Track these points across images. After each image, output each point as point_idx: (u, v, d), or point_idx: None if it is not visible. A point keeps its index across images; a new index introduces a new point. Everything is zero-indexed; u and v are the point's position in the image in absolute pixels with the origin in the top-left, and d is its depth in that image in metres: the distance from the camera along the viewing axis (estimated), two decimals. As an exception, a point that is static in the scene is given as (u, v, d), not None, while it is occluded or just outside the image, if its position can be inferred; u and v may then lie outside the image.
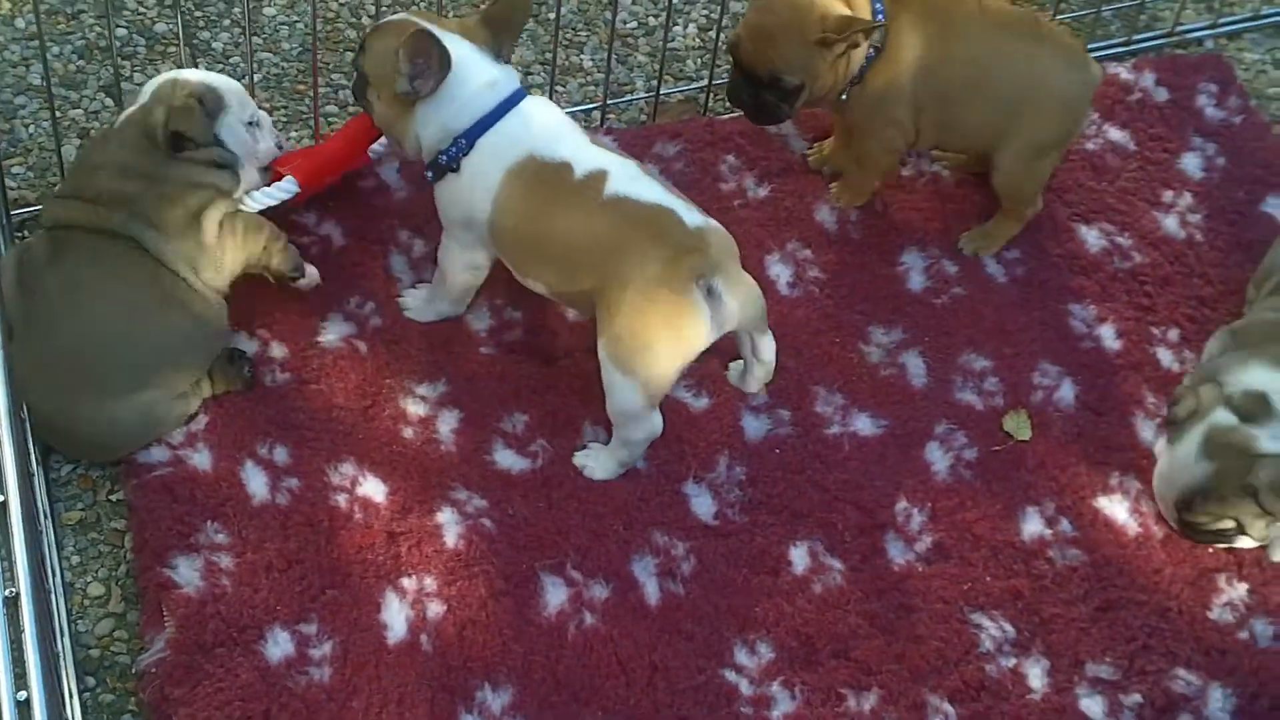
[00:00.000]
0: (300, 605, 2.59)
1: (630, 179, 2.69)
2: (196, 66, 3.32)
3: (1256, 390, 2.71)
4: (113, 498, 2.76)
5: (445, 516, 2.71)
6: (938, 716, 2.59)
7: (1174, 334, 3.10)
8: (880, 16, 2.94)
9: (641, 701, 2.56)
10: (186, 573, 2.59)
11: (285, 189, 2.91)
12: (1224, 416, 2.71)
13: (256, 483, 2.72)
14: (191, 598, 2.57)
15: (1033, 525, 2.82)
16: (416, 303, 2.97)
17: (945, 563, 2.77)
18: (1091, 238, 3.23)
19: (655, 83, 3.38)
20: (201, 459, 2.73)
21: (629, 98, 3.46)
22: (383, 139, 3.00)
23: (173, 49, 3.38)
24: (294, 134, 3.31)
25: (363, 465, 2.76)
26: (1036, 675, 2.65)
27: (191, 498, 2.68)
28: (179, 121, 2.74)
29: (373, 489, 2.74)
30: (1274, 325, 2.84)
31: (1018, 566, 2.77)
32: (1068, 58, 3.03)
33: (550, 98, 3.27)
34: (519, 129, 2.73)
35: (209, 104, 2.80)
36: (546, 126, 2.74)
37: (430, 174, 2.79)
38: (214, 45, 3.44)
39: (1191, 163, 3.38)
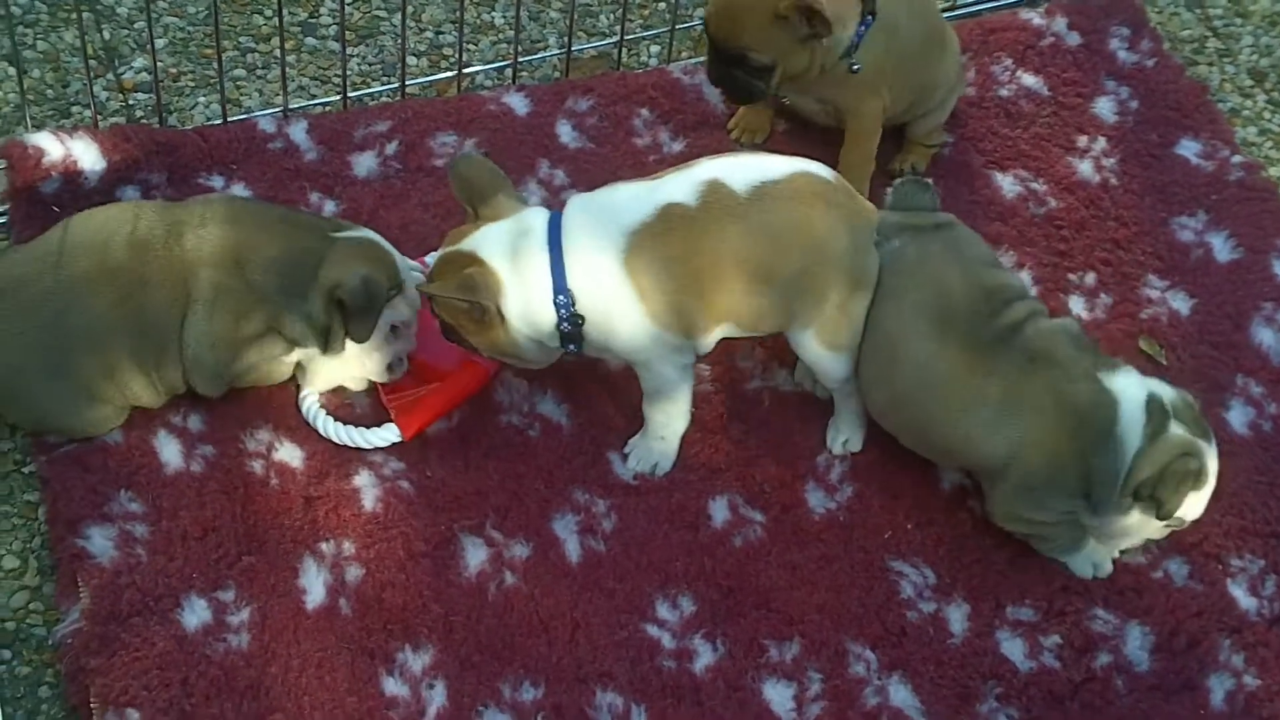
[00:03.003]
0: (217, 572, 2.57)
1: (730, 167, 2.64)
2: (100, 33, 3.27)
3: None
4: (25, 470, 2.73)
5: (362, 480, 2.69)
6: (860, 664, 2.60)
7: (1090, 278, 3.11)
8: None
9: (564, 659, 2.55)
10: (101, 543, 2.57)
11: (384, 438, 2.73)
12: None
13: (170, 451, 2.69)
14: (106, 568, 2.54)
15: (952, 475, 2.83)
16: (654, 453, 2.78)
17: (866, 513, 2.78)
18: (1006, 184, 3.24)
19: (567, 39, 3.35)
20: (112, 431, 2.69)
21: (541, 54, 3.43)
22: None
23: (75, 15, 3.31)
24: (202, 98, 3.26)
25: (278, 431, 2.74)
26: (957, 620, 2.67)
27: (104, 467, 2.65)
28: (360, 302, 2.59)
29: (289, 454, 2.71)
30: None
31: (938, 515, 2.79)
32: None
33: (460, 58, 3.26)
34: (591, 229, 2.60)
35: (388, 299, 2.66)
36: (605, 206, 2.63)
37: (573, 347, 2.65)
38: (118, 10, 3.38)
39: (1105, 107, 3.39)
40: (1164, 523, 2.59)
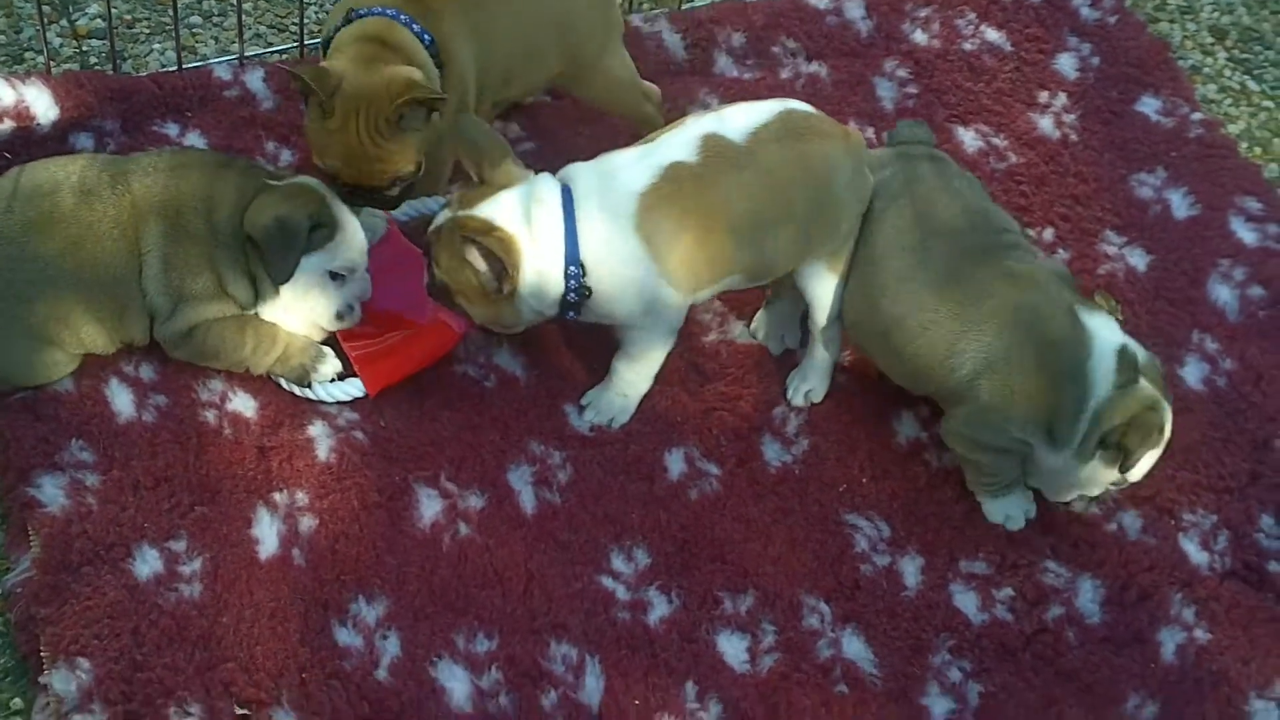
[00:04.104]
0: (169, 522, 2.55)
1: (720, 119, 2.65)
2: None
3: None
4: (-25, 419, 2.70)
5: (316, 430, 2.68)
6: (814, 616, 2.61)
7: (1049, 233, 3.12)
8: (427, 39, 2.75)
9: (518, 610, 2.55)
10: (51, 491, 2.55)
11: (348, 392, 2.71)
12: None
13: (122, 400, 2.67)
14: (57, 517, 2.52)
15: (908, 429, 2.84)
16: (613, 407, 2.77)
17: (822, 465, 2.78)
18: (968, 139, 3.24)
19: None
20: (64, 380, 2.67)
21: None
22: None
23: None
24: (157, 45, 3.23)
25: (232, 381, 2.72)
26: (911, 573, 2.67)
27: (55, 417, 2.63)
28: (274, 242, 2.57)
29: (242, 404, 2.70)
30: None
31: (894, 469, 2.79)
32: None
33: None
34: (599, 197, 2.60)
35: (317, 238, 2.62)
36: (609, 173, 2.63)
37: (573, 314, 2.65)
38: (73, -46, 3.34)
39: (1067, 63, 3.38)
40: (1113, 479, 2.61)
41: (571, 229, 2.60)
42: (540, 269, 2.60)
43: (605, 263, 2.61)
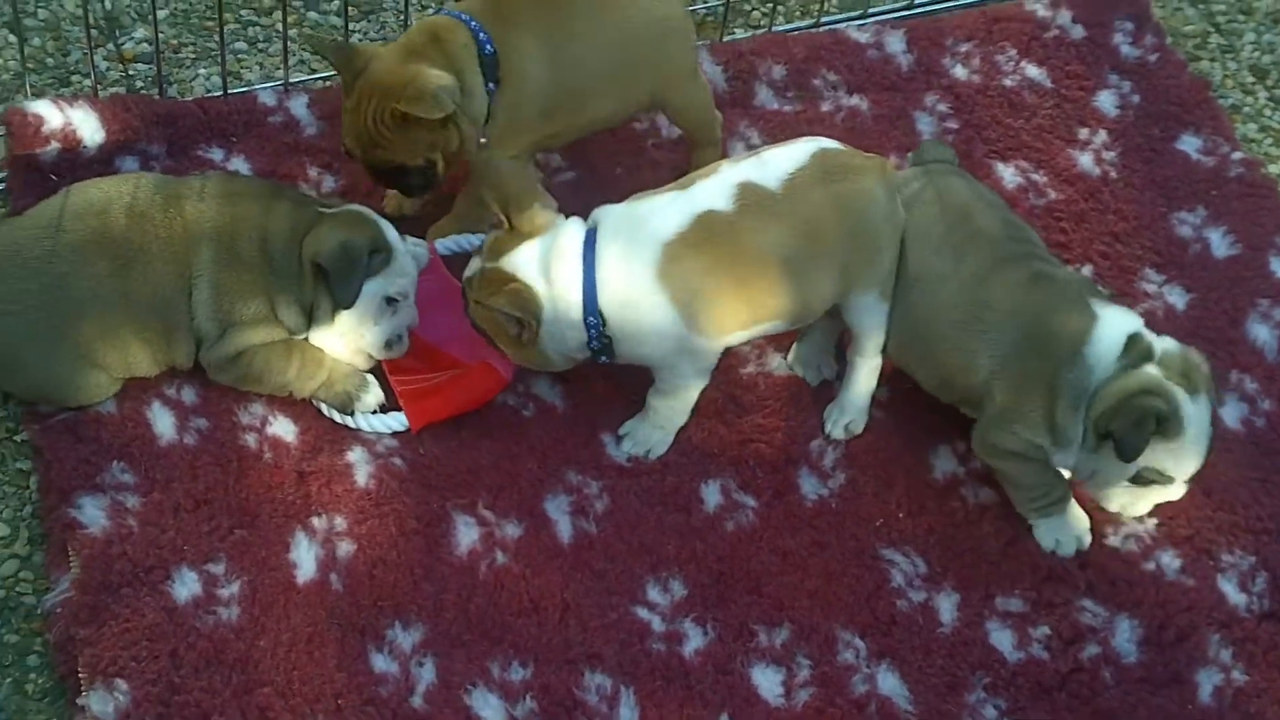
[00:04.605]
0: (208, 545, 2.56)
1: (754, 166, 2.65)
2: (102, 3, 3.26)
3: None
4: (17, 438, 2.72)
5: (356, 456, 2.69)
6: (849, 651, 2.60)
7: (1088, 270, 3.11)
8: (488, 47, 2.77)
9: (553, 639, 2.55)
10: (92, 513, 2.56)
11: (390, 426, 2.73)
12: None
13: (164, 423, 2.68)
14: (97, 538, 2.54)
15: (945, 464, 2.83)
16: (651, 439, 2.77)
17: (858, 500, 2.78)
18: (1008, 174, 3.24)
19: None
20: (106, 402, 2.69)
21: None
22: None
23: (78, -17, 3.31)
24: (203, 70, 3.25)
25: (272, 405, 2.73)
26: (947, 609, 2.67)
27: (97, 438, 2.65)
28: (340, 267, 2.60)
29: (283, 429, 2.71)
30: None
31: (930, 504, 2.79)
32: None
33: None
34: (624, 245, 2.61)
35: (375, 263, 2.66)
36: (636, 219, 2.63)
37: (604, 359, 2.67)
38: (121, -21, 3.37)
39: (1107, 100, 3.38)
40: (1132, 475, 2.58)
41: (590, 280, 2.61)
42: (559, 319, 2.62)
43: (625, 313, 2.62)
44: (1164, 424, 2.54)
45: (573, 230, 2.66)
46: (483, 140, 2.81)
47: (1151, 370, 2.56)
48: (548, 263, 2.62)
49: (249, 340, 2.66)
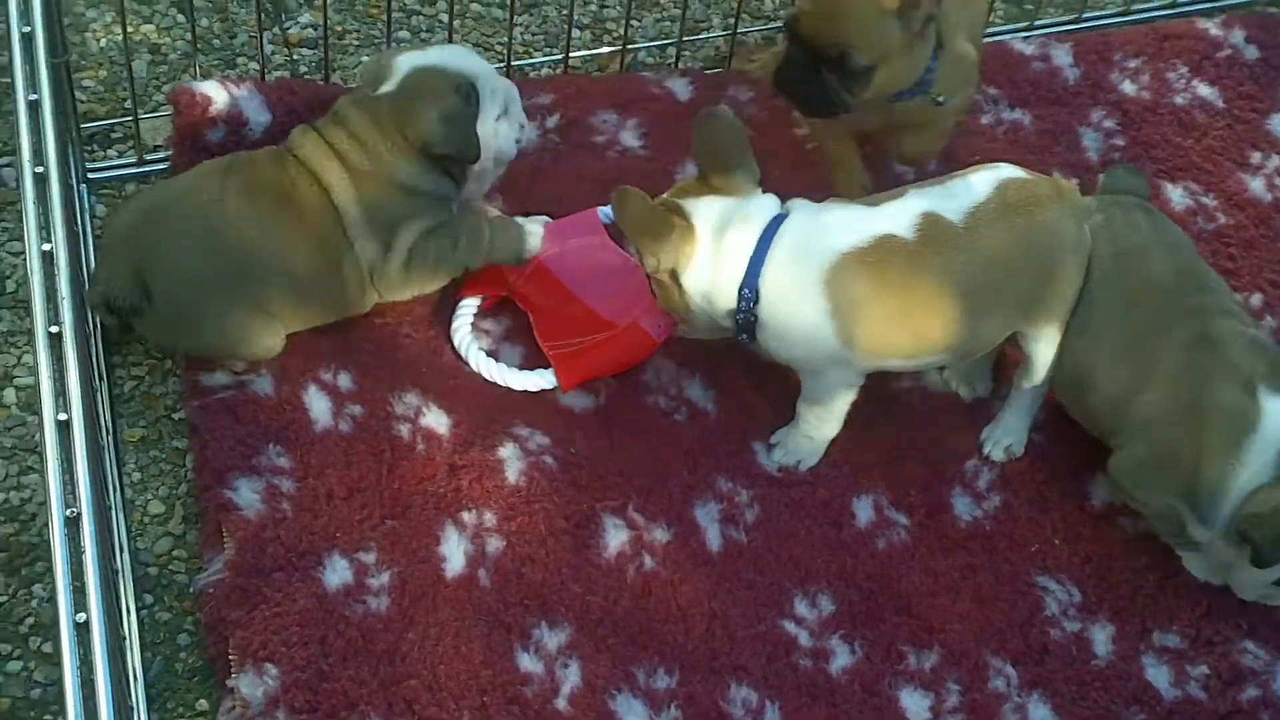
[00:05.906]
0: (360, 534, 2.56)
1: (939, 196, 2.61)
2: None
3: None
4: (175, 416, 2.75)
5: (507, 452, 2.68)
6: (1000, 679, 2.55)
7: (1256, 299, 3.03)
8: None
9: (699, 648, 2.52)
10: (247, 495, 2.57)
11: (537, 383, 2.77)
12: None
13: (319, 408, 2.69)
14: (251, 520, 2.55)
15: (1103, 491, 2.76)
16: (801, 449, 2.75)
17: (1013, 524, 2.72)
18: (1176, 196, 3.16)
19: (732, 20, 3.30)
20: (264, 383, 2.70)
21: (704, 35, 3.39)
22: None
23: (247, -35, 3.33)
24: (365, 57, 3.26)
25: (427, 396, 2.73)
26: (1101, 641, 2.61)
27: (254, 419, 2.66)
28: (452, 136, 2.63)
29: (436, 420, 2.70)
30: None
31: (1087, 531, 2.72)
32: None
33: (625, 34, 3.24)
34: (802, 240, 2.58)
35: (471, 101, 2.68)
36: (823, 223, 2.60)
37: (745, 336, 2.65)
38: (289, -37, 3.39)
39: (1281, 124, 3.30)
40: (1267, 579, 2.51)
41: (760, 255, 2.58)
42: (714, 278, 2.59)
43: (780, 302, 2.58)
44: None
45: (767, 204, 2.63)
46: (940, 99, 2.82)
47: None
48: (727, 221, 2.59)
49: (410, 238, 2.68)
